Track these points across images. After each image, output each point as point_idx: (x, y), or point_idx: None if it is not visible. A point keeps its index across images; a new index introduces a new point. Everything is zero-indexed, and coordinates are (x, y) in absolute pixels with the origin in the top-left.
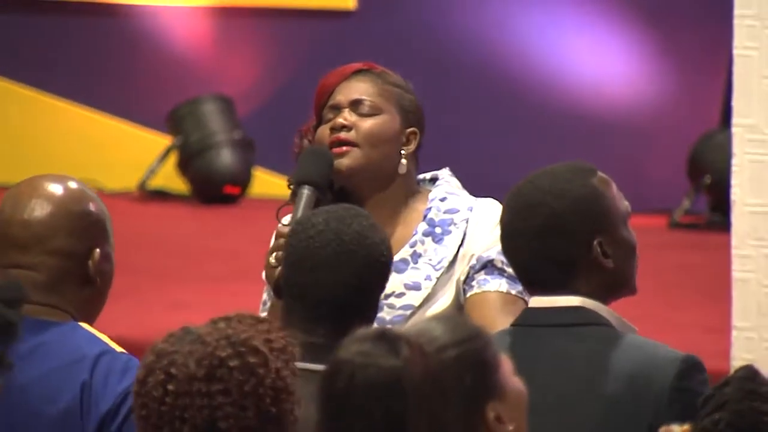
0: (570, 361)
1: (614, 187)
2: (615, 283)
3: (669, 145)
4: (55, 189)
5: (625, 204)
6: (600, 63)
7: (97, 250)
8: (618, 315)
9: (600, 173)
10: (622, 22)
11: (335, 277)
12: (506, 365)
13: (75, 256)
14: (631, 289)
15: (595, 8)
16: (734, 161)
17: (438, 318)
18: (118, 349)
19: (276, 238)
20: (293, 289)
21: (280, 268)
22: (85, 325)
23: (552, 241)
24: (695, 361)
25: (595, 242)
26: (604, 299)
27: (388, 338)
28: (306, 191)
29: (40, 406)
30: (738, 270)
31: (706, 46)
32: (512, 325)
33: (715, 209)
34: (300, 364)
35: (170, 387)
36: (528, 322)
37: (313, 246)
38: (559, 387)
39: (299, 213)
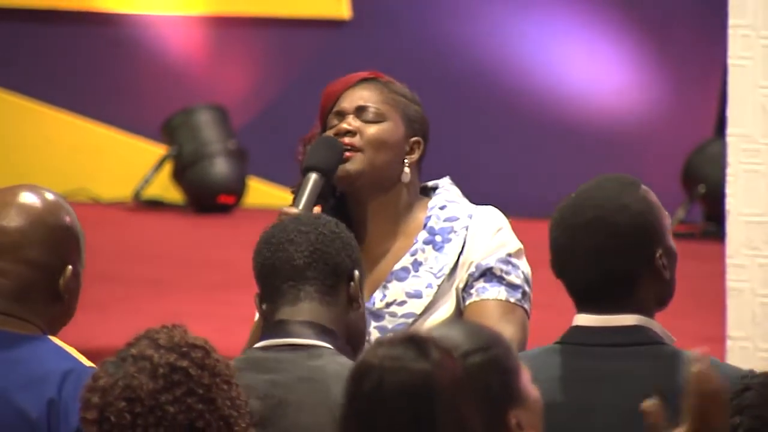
0: (632, 382)
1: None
2: (667, 294)
3: (663, 154)
4: (34, 200)
5: (666, 213)
6: (595, 73)
7: (69, 267)
8: (661, 326)
9: (642, 185)
10: (617, 32)
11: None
12: (525, 373)
13: (47, 268)
14: (672, 298)
15: (591, 19)
16: (729, 171)
17: (453, 325)
18: (87, 363)
19: (278, 218)
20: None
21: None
22: (53, 339)
23: (615, 257)
24: (755, 376)
25: (657, 254)
26: (655, 311)
27: (417, 341)
28: (314, 176)
29: (5, 420)
30: (732, 279)
31: (700, 56)
32: (559, 342)
33: (709, 219)
34: None
35: (137, 410)
36: (580, 340)
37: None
38: (622, 410)
39: (305, 197)
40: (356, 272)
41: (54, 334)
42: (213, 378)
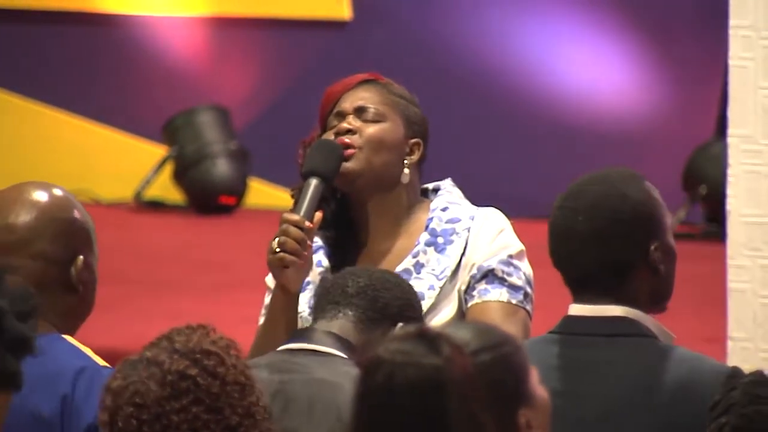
0: (616, 372)
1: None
2: (661, 291)
3: (664, 155)
4: (41, 195)
5: (667, 211)
6: (596, 73)
7: (81, 257)
8: (657, 323)
9: (646, 181)
10: (618, 32)
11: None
12: (535, 373)
13: (58, 262)
14: (669, 299)
15: (592, 19)
16: (729, 171)
17: (462, 324)
18: (101, 362)
19: (280, 224)
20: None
21: (279, 254)
22: (67, 337)
23: (613, 243)
24: (740, 374)
25: (652, 247)
26: (648, 308)
27: (428, 337)
28: (314, 181)
29: (18, 416)
30: (733, 280)
31: (701, 56)
32: (551, 332)
33: (710, 220)
34: None
35: (143, 416)
36: (570, 330)
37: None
38: (605, 399)
39: (306, 203)
40: (401, 325)
41: (74, 328)
42: (223, 387)
